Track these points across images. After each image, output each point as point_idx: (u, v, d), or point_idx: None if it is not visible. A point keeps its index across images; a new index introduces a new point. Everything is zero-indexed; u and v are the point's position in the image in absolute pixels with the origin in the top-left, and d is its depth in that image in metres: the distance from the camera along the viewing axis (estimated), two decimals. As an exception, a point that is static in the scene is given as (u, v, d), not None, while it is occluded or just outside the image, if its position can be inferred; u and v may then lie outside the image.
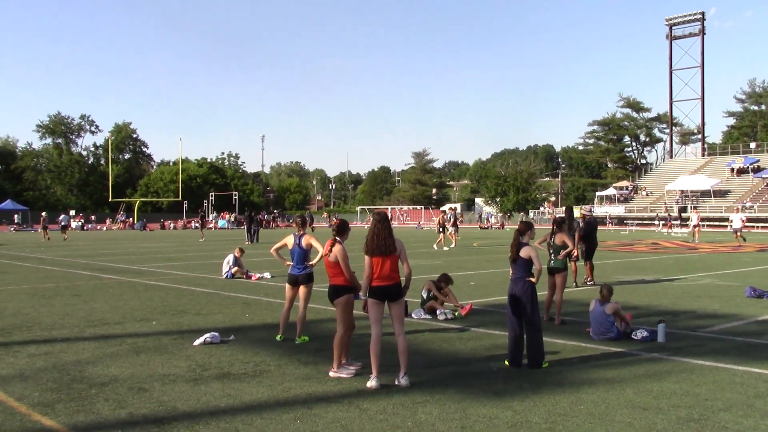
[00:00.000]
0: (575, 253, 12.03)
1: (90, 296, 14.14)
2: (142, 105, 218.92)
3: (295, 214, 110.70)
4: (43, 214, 48.91)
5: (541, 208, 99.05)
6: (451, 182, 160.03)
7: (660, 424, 5.67)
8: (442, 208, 58.85)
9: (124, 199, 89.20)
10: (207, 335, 9.13)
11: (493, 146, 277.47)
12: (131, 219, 75.77)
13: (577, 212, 21.85)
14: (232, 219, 71.95)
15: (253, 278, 17.22)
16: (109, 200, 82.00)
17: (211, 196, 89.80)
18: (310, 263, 9.19)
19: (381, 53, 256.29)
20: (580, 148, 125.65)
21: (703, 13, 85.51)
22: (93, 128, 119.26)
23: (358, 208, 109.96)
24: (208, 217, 76.80)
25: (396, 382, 6.92)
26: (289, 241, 9.22)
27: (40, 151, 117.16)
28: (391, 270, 6.93)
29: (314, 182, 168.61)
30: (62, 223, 46.74)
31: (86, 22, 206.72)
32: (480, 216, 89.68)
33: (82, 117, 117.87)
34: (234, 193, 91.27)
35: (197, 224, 66.67)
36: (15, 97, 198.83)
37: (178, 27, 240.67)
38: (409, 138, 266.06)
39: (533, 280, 7.82)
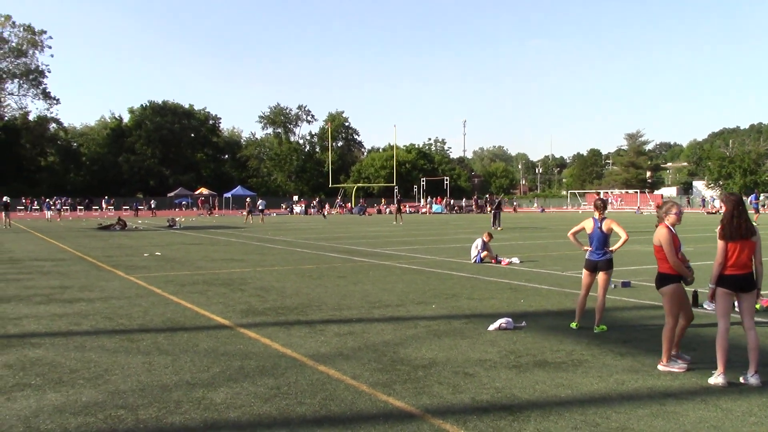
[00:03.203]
0: None
1: (354, 278, 14.59)
2: (351, 93, 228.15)
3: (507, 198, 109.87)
4: (248, 199, 52.42)
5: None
6: (666, 164, 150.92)
7: None
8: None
9: (342, 185, 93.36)
10: (502, 321, 8.96)
11: (710, 125, 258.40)
12: (349, 204, 79.04)
13: None
14: (447, 204, 72.73)
15: (503, 263, 17.00)
16: (329, 186, 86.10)
17: (423, 181, 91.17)
18: (611, 249, 8.73)
19: (581, 34, 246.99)
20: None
21: None
22: (309, 118, 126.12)
23: (567, 192, 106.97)
24: (422, 202, 78.18)
25: (742, 380, 6.31)
26: (588, 224, 8.83)
27: (262, 141, 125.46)
28: (747, 257, 6.30)
29: (519, 166, 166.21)
30: (260, 208, 49.91)
31: (299, 19, 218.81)
32: (704, 200, 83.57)
33: (299, 107, 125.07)
34: (445, 178, 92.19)
35: (412, 209, 68.40)
36: (240, 91, 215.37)
37: (385, 17, 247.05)
38: (612, 119, 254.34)
39: None
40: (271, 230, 35.93)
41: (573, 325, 8.96)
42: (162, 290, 12.79)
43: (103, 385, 6.40)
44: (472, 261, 17.46)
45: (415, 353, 7.62)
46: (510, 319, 9.04)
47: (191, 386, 6.36)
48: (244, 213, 50.48)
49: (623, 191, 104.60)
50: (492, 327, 8.87)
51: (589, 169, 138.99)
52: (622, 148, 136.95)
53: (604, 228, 8.66)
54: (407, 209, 72.84)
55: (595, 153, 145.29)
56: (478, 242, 17.74)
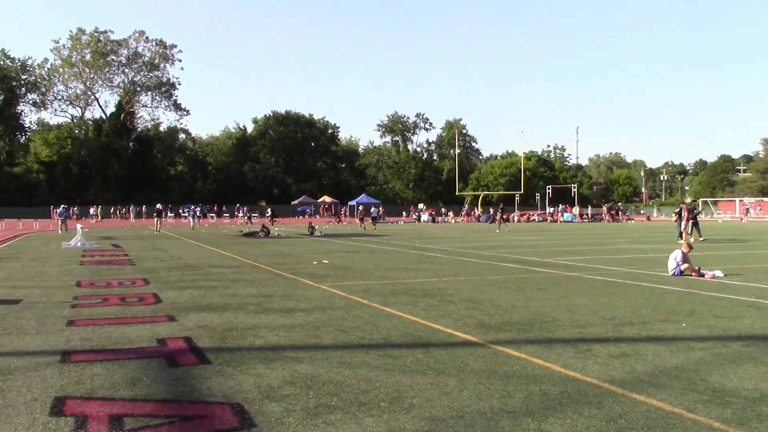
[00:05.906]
0: None
1: (556, 291, 13.70)
2: (467, 100, 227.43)
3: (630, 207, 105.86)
4: (360, 207, 53.15)
5: None
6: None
7: None
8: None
9: (466, 193, 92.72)
10: (797, 345, 7.89)
11: None
12: (474, 212, 78.15)
13: None
14: (577, 212, 70.64)
15: (707, 276, 15.69)
16: (455, 194, 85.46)
17: (548, 189, 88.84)
18: None
19: (695, 31, 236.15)
20: None
21: None
22: (427, 125, 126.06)
23: (699, 200, 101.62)
24: (548, 210, 76.28)
25: None
26: None
27: (380, 149, 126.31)
28: None
29: (642, 173, 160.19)
30: (373, 215, 52.09)
31: (415, 29, 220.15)
32: None
33: (417, 115, 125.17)
34: (573, 185, 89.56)
35: (539, 218, 66.89)
36: (357, 100, 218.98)
37: (495, 25, 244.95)
38: (732, 124, 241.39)
39: None
40: (418, 239, 35.51)
41: None
42: (368, 301, 12.33)
43: (412, 409, 5.82)
44: (670, 273, 16.22)
45: (727, 381, 6.69)
46: (804, 343, 7.96)
47: (511, 414, 5.68)
48: (361, 220, 53.26)
49: (758, 199, 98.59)
50: (787, 351, 7.83)
51: (719, 176, 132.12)
52: (748, 153, 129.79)
53: None
54: (535, 218, 71.20)
55: (726, 159, 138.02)
56: (677, 254, 16.46)
